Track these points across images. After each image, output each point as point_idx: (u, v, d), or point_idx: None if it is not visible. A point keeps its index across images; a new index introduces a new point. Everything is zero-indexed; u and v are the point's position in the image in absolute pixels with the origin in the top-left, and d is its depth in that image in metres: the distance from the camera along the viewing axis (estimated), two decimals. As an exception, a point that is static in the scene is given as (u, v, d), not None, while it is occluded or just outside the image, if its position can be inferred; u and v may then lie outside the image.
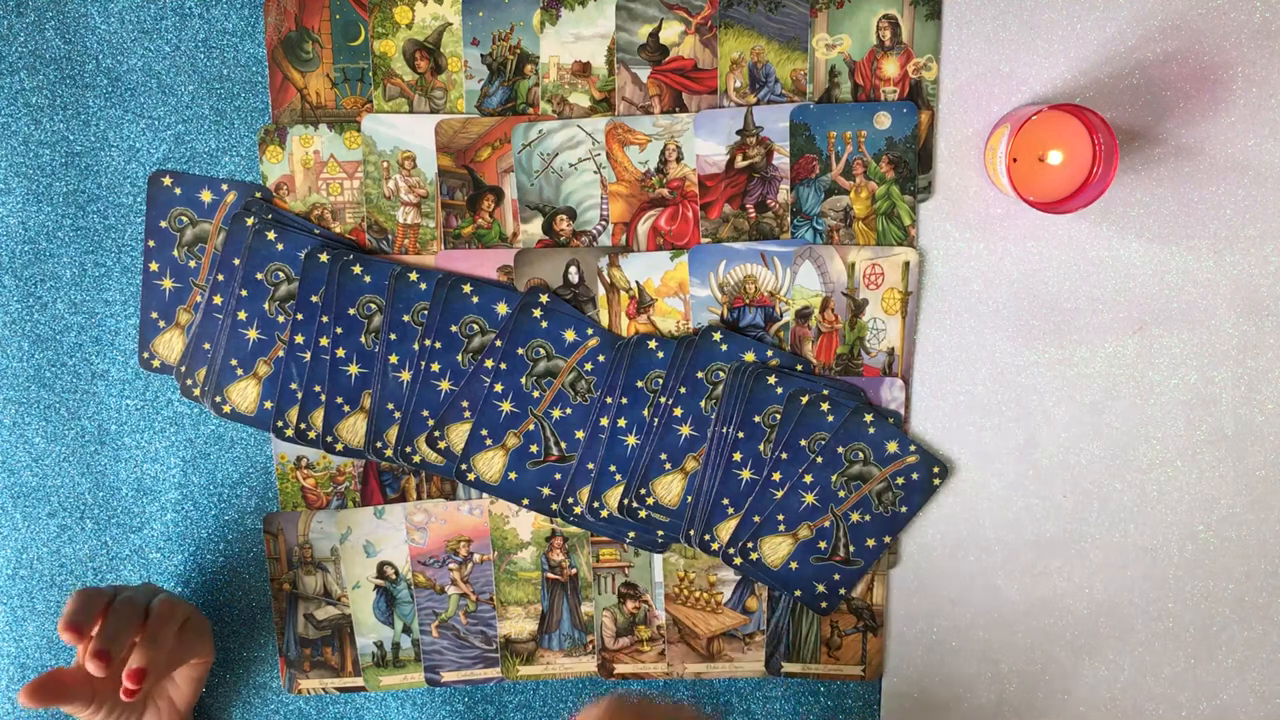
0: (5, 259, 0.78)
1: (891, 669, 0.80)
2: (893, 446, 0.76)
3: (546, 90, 0.76)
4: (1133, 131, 0.74)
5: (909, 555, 0.79)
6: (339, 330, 0.77)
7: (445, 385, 0.77)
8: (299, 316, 0.77)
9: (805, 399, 0.75)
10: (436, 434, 0.77)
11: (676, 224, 0.76)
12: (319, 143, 0.76)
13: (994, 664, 0.80)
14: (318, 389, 0.77)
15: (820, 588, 0.78)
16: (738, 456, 0.76)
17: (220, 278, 0.77)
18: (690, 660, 0.80)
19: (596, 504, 0.78)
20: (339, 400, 0.77)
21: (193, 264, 0.77)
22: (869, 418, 0.76)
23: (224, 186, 0.77)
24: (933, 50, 0.74)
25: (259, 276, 0.77)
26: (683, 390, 0.76)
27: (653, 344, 0.76)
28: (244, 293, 0.77)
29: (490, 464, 0.78)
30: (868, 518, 0.77)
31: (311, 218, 0.77)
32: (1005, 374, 0.77)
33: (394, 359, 0.77)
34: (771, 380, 0.75)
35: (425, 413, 0.77)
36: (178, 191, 0.77)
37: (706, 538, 0.78)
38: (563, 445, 0.78)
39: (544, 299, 0.76)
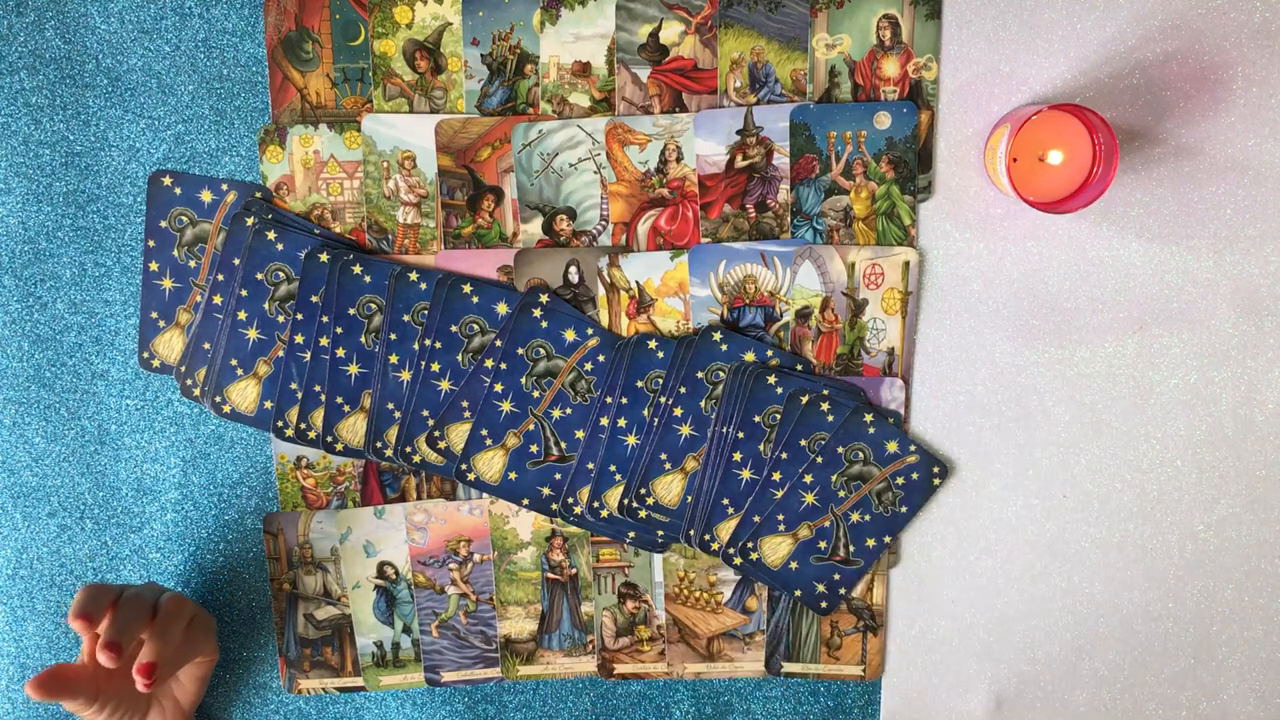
0: (5, 259, 0.78)
1: (891, 669, 0.80)
2: (893, 446, 0.76)
3: (546, 90, 0.76)
4: (1133, 131, 0.74)
5: (909, 555, 0.79)
6: (339, 330, 0.77)
7: (445, 385, 0.77)
8: (299, 316, 0.76)
9: (805, 399, 0.75)
10: (436, 434, 0.77)
11: (676, 224, 0.76)
12: (319, 143, 0.76)
13: (994, 664, 0.80)
14: (318, 389, 0.77)
15: (820, 588, 0.78)
16: (738, 456, 0.76)
17: (220, 278, 0.77)
18: (690, 660, 0.80)
19: (596, 504, 0.78)
20: (339, 400, 0.77)
21: (193, 264, 0.77)
22: (869, 418, 0.76)
23: (224, 186, 0.77)
24: (933, 50, 0.74)
25: (259, 276, 0.76)
26: (683, 390, 0.76)
27: (653, 344, 0.76)
28: (244, 293, 0.77)
29: (490, 464, 0.78)
30: (868, 518, 0.77)
31: (311, 218, 0.77)
32: (1005, 374, 0.77)
33: (394, 359, 0.77)
34: (771, 380, 0.75)
35: (425, 413, 0.77)
36: (178, 191, 0.77)
37: (706, 538, 0.78)
38: (563, 445, 0.77)
39: (544, 299, 0.76)
